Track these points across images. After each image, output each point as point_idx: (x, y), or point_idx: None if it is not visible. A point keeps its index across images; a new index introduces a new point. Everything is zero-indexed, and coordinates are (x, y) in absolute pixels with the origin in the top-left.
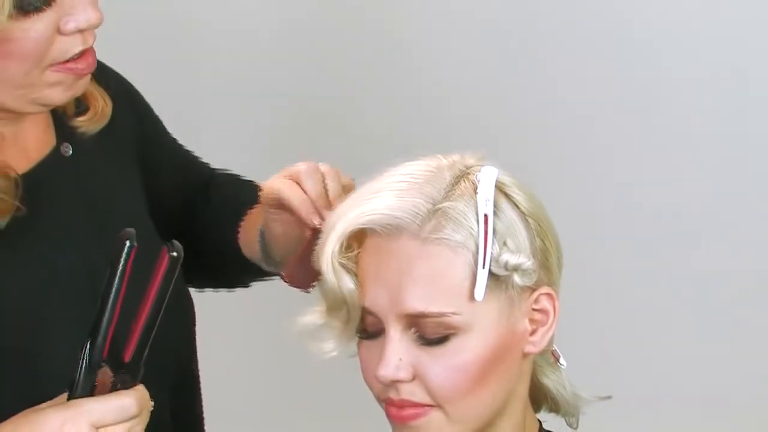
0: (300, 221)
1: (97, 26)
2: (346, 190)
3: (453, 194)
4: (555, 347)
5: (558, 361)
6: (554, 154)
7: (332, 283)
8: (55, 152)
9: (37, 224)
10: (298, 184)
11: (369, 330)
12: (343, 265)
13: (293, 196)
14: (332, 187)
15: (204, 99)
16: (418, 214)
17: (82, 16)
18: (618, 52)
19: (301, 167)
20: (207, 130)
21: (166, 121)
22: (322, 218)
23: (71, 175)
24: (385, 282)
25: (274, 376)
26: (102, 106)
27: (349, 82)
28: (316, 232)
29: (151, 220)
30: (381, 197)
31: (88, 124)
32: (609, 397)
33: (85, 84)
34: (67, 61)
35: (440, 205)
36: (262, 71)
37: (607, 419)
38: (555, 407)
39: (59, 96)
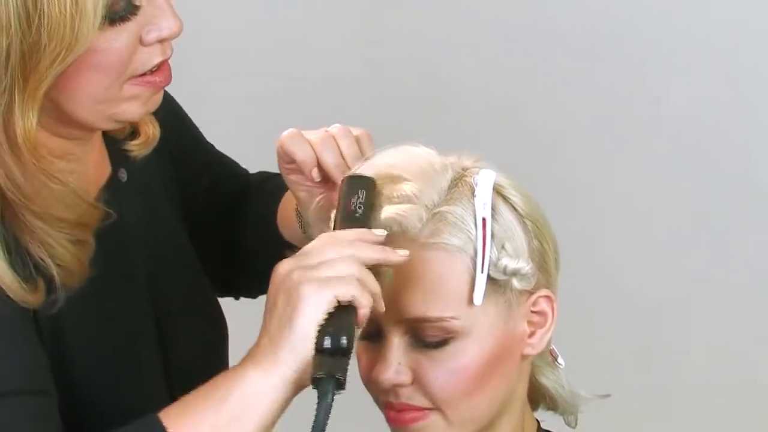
0: (307, 176)
1: (177, 36)
2: (360, 141)
3: (450, 198)
4: (553, 347)
5: (556, 360)
6: (550, 154)
7: None
8: (114, 178)
9: (103, 255)
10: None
11: (367, 331)
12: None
13: (297, 150)
14: (345, 145)
15: (203, 99)
16: (422, 217)
17: (165, 25)
18: (617, 53)
19: (311, 133)
20: (207, 131)
21: None
22: (333, 177)
23: (126, 200)
24: (384, 286)
25: None
26: (152, 131)
27: (350, 81)
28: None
29: (185, 232)
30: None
31: (139, 148)
32: (607, 396)
33: (159, 99)
34: (144, 74)
35: (439, 209)
36: (261, 70)
37: (606, 418)
38: (553, 406)
39: (136, 111)
